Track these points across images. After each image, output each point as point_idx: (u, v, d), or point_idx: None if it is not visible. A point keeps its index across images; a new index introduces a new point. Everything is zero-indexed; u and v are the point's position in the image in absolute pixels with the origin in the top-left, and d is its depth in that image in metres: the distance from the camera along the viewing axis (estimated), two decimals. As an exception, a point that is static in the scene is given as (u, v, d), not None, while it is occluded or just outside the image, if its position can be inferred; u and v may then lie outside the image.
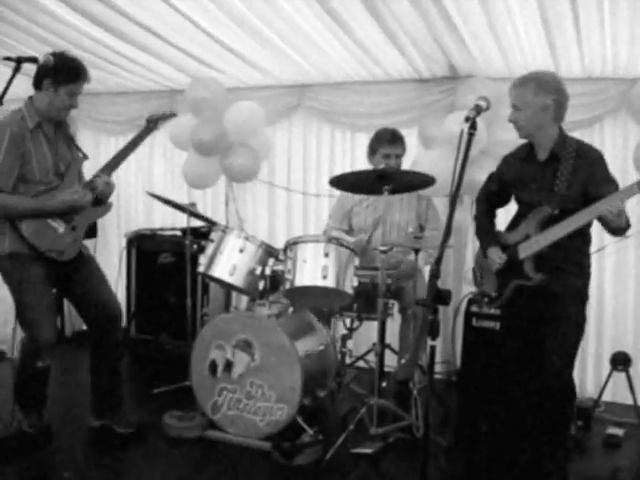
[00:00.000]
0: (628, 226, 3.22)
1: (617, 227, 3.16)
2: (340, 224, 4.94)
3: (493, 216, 3.79)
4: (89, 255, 4.09)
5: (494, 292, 3.49)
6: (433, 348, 2.42)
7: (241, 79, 5.85)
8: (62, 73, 3.67)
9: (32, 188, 3.73)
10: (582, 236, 3.37)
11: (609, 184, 3.24)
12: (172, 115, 4.50)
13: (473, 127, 2.80)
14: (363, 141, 5.19)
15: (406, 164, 4.85)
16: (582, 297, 3.41)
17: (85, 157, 4.07)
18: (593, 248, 4.82)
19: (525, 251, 3.35)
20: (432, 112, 5.23)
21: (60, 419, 4.26)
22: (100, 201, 4.03)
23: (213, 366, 4.08)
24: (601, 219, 3.16)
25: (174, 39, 4.99)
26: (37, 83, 3.74)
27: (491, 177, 3.76)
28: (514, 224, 3.52)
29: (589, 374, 5.12)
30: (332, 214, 5.07)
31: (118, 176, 6.65)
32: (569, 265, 3.35)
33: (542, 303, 3.33)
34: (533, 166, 3.44)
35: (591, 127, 4.96)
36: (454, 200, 2.66)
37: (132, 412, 4.27)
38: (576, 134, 4.83)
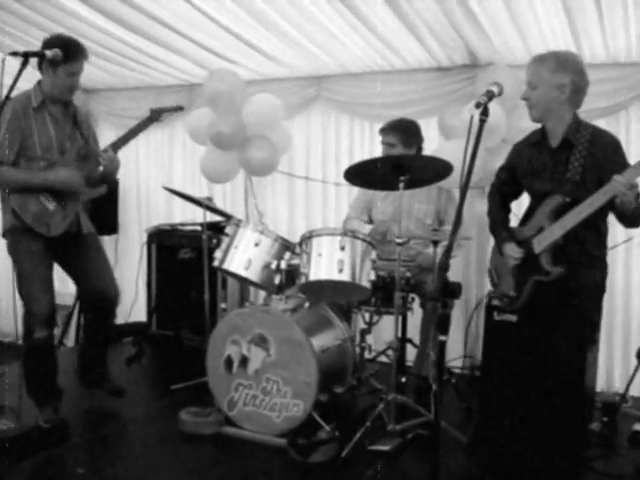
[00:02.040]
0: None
1: (631, 211, 2.97)
2: (360, 215, 4.88)
3: (507, 210, 3.66)
4: (91, 234, 4.21)
5: (512, 292, 3.37)
6: (443, 343, 2.34)
7: (259, 71, 5.80)
8: (63, 54, 3.76)
9: (33, 164, 3.89)
10: (597, 228, 3.24)
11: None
12: (178, 109, 4.49)
13: (485, 113, 2.68)
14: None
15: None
16: (599, 291, 3.29)
17: (86, 141, 4.14)
18: (620, 237, 4.83)
19: (540, 244, 3.22)
20: (452, 101, 5.13)
21: (75, 414, 4.30)
22: (105, 177, 4.18)
23: (229, 362, 4.04)
24: (614, 205, 2.98)
25: (191, 34, 4.98)
26: (39, 66, 3.89)
27: (502, 167, 3.63)
28: (527, 218, 3.39)
29: (616, 369, 5.00)
30: (353, 205, 5.02)
31: (138, 171, 6.75)
32: (585, 258, 3.21)
33: (559, 298, 3.20)
34: (545, 153, 3.29)
35: (616, 114, 4.82)
36: (465, 189, 2.55)
37: (150, 408, 4.42)
38: (601, 122, 4.80)
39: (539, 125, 3.35)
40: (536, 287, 3.25)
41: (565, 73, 3.13)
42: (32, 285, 3.90)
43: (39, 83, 3.96)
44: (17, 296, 3.90)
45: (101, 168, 4.09)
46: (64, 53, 3.76)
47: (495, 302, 4.11)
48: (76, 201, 4.06)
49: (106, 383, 4.48)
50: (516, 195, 3.65)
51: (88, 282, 4.22)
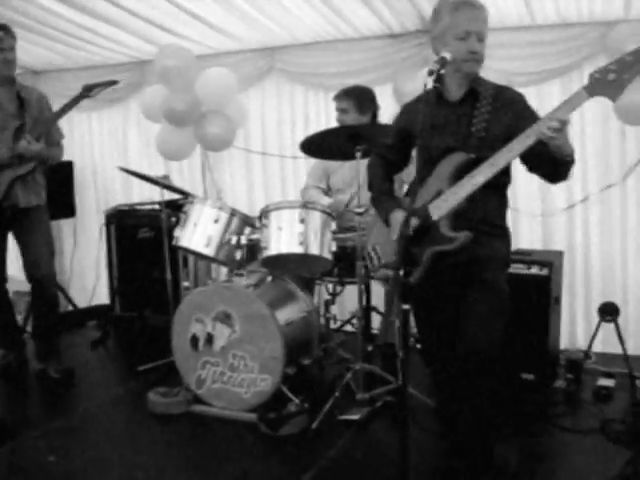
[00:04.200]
0: (572, 160, 2.69)
1: (562, 155, 2.61)
2: (319, 183, 4.81)
3: (391, 182, 3.25)
4: (33, 207, 4.42)
5: (396, 262, 2.74)
6: (406, 312, 2.34)
7: (210, 45, 5.70)
8: None
9: None
10: (500, 195, 2.95)
11: None
12: (112, 83, 4.44)
13: (438, 81, 2.62)
14: (336, 101, 5.06)
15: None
16: (506, 263, 2.99)
17: (22, 123, 4.30)
18: (578, 197, 4.87)
19: (439, 209, 2.78)
20: (406, 68, 5.11)
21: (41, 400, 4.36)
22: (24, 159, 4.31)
23: (194, 340, 4.02)
24: (538, 154, 2.65)
25: (137, 8, 4.86)
26: None
27: (386, 133, 3.30)
28: (418, 184, 2.78)
29: (578, 326, 5.07)
30: (310, 173, 4.93)
31: (93, 152, 6.66)
32: (489, 227, 2.87)
33: (465, 268, 2.84)
34: (445, 108, 2.90)
35: (569, 74, 4.84)
36: (420, 154, 2.53)
37: (117, 390, 4.42)
38: (555, 82, 4.84)
39: None
40: (434, 259, 2.80)
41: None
42: None
43: None
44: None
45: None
46: None
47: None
48: (8, 176, 4.25)
49: (54, 364, 4.62)
50: (401, 164, 3.28)
51: (23, 255, 4.52)
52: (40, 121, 4.36)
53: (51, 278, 4.59)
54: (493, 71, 3.94)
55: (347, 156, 3.85)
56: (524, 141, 2.59)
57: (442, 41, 2.83)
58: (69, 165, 6.36)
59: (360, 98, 4.56)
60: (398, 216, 2.92)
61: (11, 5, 4.71)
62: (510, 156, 2.64)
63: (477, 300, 2.82)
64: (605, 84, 2.48)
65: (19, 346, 4.78)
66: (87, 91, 4.27)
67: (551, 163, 2.69)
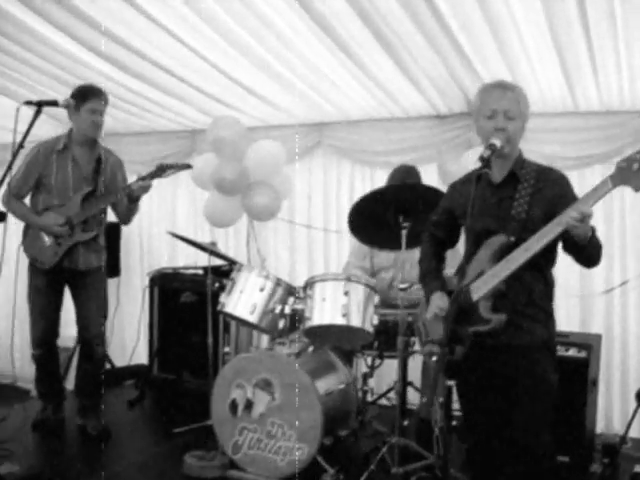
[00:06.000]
0: (599, 247, 2.74)
1: (584, 244, 2.63)
2: (362, 262, 4.87)
3: (440, 260, 3.27)
4: (91, 270, 4.61)
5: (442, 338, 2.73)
6: (450, 388, 2.40)
7: (261, 118, 5.91)
8: (78, 97, 4.31)
9: (48, 199, 4.48)
10: (544, 277, 2.92)
11: None
12: (186, 167, 4.56)
13: (487, 166, 2.73)
14: (383, 178, 5.11)
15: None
16: (550, 349, 2.93)
17: (94, 189, 4.52)
18: (617, 280, 4.89)
19: (479, 290, 2.79)
20: (450, 148, 5.25)
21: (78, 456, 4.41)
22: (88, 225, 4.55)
23: (234, 405, 4.07)
24: (568, 241, 2.69)
25: (194, 81, 5.11)
26: (69, 116, 4.44)
27: (435, 211, 3.29)
28: (465, 264, 2.93)
29: (615, 410, 5.02)
30: (353, 252, 5.01)
31: (141, 216, 6.81)
32: (533, 310, 2.85)
33: (504, 359, 2.84)
34: (487, 190, 2.93)
35: (611, 160, 4.91)
36: (468, 234, 2.60)
37: (152, 451, 4.50)
38: (597, 168, 4.91)
39: None
40: (474, 340, 2.78)
41: (528, 108, 2.93)
42: (32, 312, 4.59)
43: (70, 129, 4.53)
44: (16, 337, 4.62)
45: (125, 199, 4.49)
46: (82, 94, 4.30)
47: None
48: (72, 240, 4.44)
49: (91, 420, 4.72)
50: (452, 242, 3.29)
51: (77, 314, 4.70)
52: (110, 190, 4.56)
53: (101, 340, 4.72)
54: (535, 154, 4.03)
55: (393, 243, 3.93)
56: (555, 228, 2.61)
57: (476, 122, 2.95)
58: (116, 226, 6.53)
59: (420, 180, 4.69)
60: (435, 298, 2.98)
61: (75, 73, 4.95)
62: (543, 242, 2.65)
63: (524, 396, 2.80)
64: (630, 173, 2.48)
65: (58, 400, 4.84)
66: (161, 171, 4.39)
67: (577, 248, 2.70)
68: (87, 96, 4.36)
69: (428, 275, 3.19)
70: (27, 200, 4.59)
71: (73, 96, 4.25)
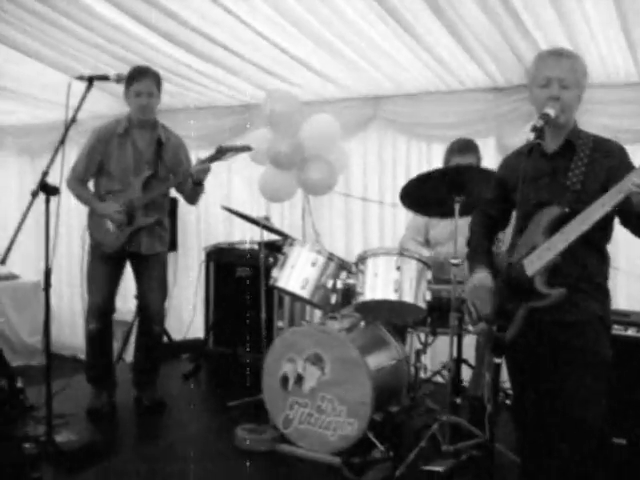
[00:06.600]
0: None
1: None
2: (417, 235, 4.83)
3: (490, 240, 3.14)
4: (152, 255, 4.63)
5: (490, 314, 2.69)
6: (498, 366, 2.33)
7: (316, 92, 5.87)
8: (126, 80, 4.22)
9: (109, 184, 4.51)
10: (600, 250, 2.81)
11: None
12: (246, 149, 4.51)
13: (540, 137, 2.62)
14: (439, 152, 5.06)
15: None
16: (605, 325, 2.81)
17: (155, 171, 4.51)
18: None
19: (533, 265, 2.69)
20: (509, 121, 5.12)
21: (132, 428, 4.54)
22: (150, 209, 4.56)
23: (285, 380, 4.07)
24: (626, 207, 2.51)
25: (249, 55, 5.10)
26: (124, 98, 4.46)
27: (489, 188, 3.23)
28: (516, 239, 2.78)
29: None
30: (409, 225, 4.97)
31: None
32: (588, 286, 2.75)
33: (556, 334, 2.76)
34: (541, 160, 2.81)
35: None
36: (518, 210, 2.52)
37: (206, 423, 4.58)
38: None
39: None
40: (529, 316, 2.70)
41: (585, 78, 2.80)
42: (91, 283, 4.60)
43: (129, 112, 4.50)
44: (80, 312, 4.49)
45: (189, 180, 4.49)
46: (128, 77, 4.20)
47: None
48: (134, 225, 4.50)
49: (148, 393, 4.78)
50: (504, 218, 3.16)
51: (139, 295, 4.79)
52: (173, 172, 4.58)
53: (160, 319, 4.76)
54: (597, 127, 3.91)
55: (445, 211, 3.87)
56: (615, 196, 2.47)
57: (531, 91, 2.85)
58: (174, 201, 6.58)
59: (479, 152, 4.56)
60: (480, 275, 2.89)
61: (131, 49, 4.98)
62: (602, 211, 2.51)
63: (577, 370, 2.72)
64: None
65: (111, 386, 4.80)
66: (220, 153, 4.36)
67: (637, 218, 2.58)
68: (132, 78, 4.31)
69: (475, 252, 3.09)
70: (91, 184, 4.63)
71: (125, 79, 4.19)
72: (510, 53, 4.53)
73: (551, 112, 2.64)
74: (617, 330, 3.98)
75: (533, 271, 2.69)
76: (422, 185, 4.02)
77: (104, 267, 4.58)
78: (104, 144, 4.45)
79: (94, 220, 4.54)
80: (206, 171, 4.39)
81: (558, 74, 2.72)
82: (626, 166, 2.68)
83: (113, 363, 4.96)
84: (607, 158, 2.74)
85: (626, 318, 4.12)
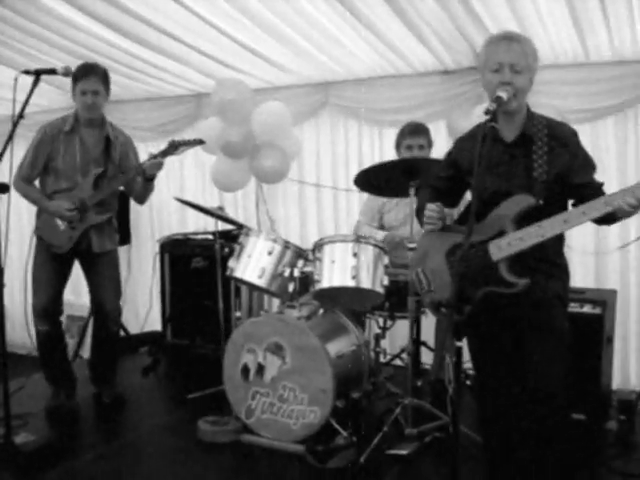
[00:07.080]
0: None
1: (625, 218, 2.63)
2: (371, 221, 4.84)
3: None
4: (104, 252, 4.55)
5: (450, 299, 2.68)
6: (459, 349, 2.35)
7: (266, 80, 5.83)
8: (73, 78, 4.19)
9: (56, 183, 4.38)
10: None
11: (590, 169, 2.81)
12: (198, 142, 4.47)
13: (494, 120, 2.63)
14: (391, 137, 5.00)
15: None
16: (563, 302, 2.90)
17: (105, 170, 4.42)
18: (632, 235, 4.81)
19: (501, 251, 2.71)
20: (459, 104, 5.14)
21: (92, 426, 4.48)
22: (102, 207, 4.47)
23: (245, 370, 4.05)
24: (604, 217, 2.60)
25: (197, 44, 5.03)
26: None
27: (441, 166, 3.20)
28: (476, 219, 2.62)
29: (632, 366, 4.97)
30: (363, 211, 4.97)
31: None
32: (548, 266, 2.83)
33: (518, 311, 2.80)
34: (497, 148, 2.82)
35: (624, 112, 4.81)
36: (475, 192, 2.52)
37: (167, 417, 4.56)
38: (609, 120, 4.81)
39: None
40: (487, 299, 2.76)
41: (536, 61, 2.80)
42: (37, 284, 4.46)
43: (76, 110, 4.39)
44: (29, 309, 4.46)
45: (139, 178, 4.44)
46: (74, 75, 4.11)
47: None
48: (86, 223, 4.37)
49: (107, 390, 4.74)
50: (453, 198, 3.19)
51: (92, 294, 4.65)
52: (123, 170, 4.47)
53: (115, 317, 4.68)
54: (547, 107, 3.95)
55: (400, 192, 3.88)
56: (601, 208, 2.53)
57: (482, 76, 2.86)
58: (125, 194, 6.50)
59: (429, 134, 4.61)
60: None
61: (77, 40, 4.88)
62: (586, 218, 2.59)
63: (539, 345, 2.79)
64: None
65: (70, 384, 4.69)
66: (172, 148, 4.32)
67: (611, 220, 2.68)
68: (78, 76, 4.21)
69: (422, 214, 3.04)
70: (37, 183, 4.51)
71: (73, 74, 4.04)
72: (459, 35, 4.53)
73: (504, 95, 2.65)
74: (572, 307, 4.06)
75: (500, 257, 2.72)
76: (377, 173, 4.04)
77: (50, 267, 4.46)
78: (50, 141, 4.34)
79: (43, 220, 4.43)
80: (159, 166, 4.33)
81: (510, 59, 2.72)
82: (583, 157, 2.80)
83: (69, 361, 4.89)
84: (564, 148, 2.78)
85: (581, 295, 4.20)
